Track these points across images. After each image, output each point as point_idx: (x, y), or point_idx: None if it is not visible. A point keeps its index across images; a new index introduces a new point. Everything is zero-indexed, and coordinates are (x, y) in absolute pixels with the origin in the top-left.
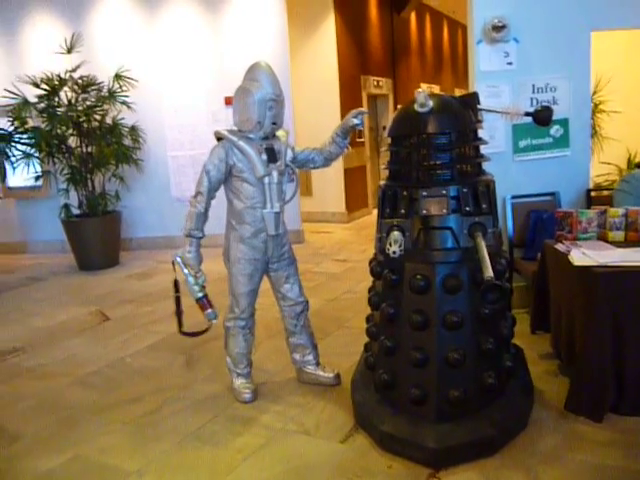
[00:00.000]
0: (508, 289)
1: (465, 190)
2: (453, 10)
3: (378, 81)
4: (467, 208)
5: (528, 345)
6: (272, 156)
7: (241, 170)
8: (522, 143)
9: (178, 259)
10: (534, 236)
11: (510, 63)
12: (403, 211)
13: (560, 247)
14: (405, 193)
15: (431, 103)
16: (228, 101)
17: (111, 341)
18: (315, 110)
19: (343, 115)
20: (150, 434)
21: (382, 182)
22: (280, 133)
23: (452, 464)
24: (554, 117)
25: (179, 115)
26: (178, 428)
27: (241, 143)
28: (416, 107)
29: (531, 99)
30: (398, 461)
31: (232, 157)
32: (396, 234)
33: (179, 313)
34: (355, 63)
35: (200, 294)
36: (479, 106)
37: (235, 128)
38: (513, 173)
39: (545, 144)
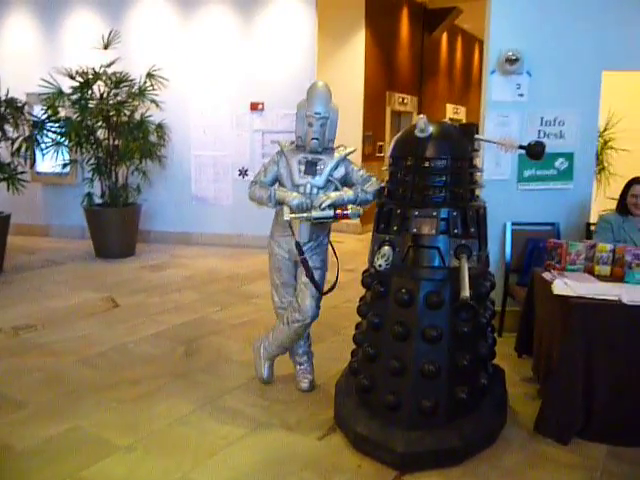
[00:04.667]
0: (486, 310)
1: (455, 213)
2: None
3: (403, 98)
4: (455, 230)
5: (513, 368)
6: (310, 169)
7: (282, 176)
8: (527, 173)
9: (287, 217)
10: (530, 263)
11: (521, 95)
12: (395, 228)
13: (546, 276)
14: (399, 211)
15: (431, 129)
16: (254, 107)
17: (118, 326)
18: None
19: (365, 128)
20: (143, 415)
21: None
22: (341, 149)
23: (417, 469)
24: (560, 150)
25: (205, 116)
26: (169, 412)
27: (287, 152)
28: (416, 132)
29: (539, 131)
30: (368, 461)
31: (279, 163)
32: (386, 249)
33: (312, 275)
34: (382, 79)
35: (331, 212)
36: (476, 136)
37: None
38: (516, 201)
39: (549, 175)
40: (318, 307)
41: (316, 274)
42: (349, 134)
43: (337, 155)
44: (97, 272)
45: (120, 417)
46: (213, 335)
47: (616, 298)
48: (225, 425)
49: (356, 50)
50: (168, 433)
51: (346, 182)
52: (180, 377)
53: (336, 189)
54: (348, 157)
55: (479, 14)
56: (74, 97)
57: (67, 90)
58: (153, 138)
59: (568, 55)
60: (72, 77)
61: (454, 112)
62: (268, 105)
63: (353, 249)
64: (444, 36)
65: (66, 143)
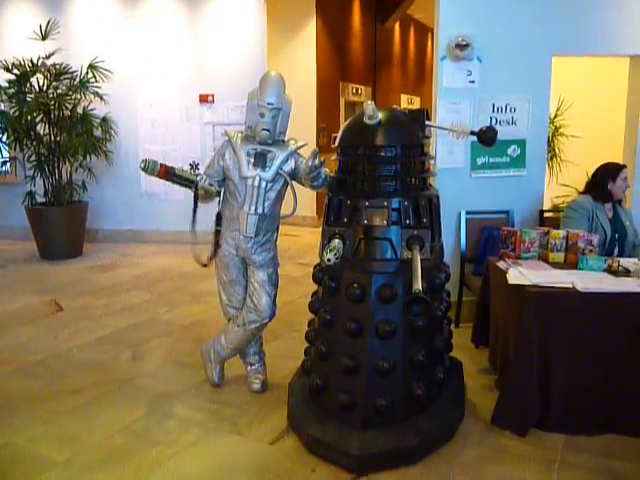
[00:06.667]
0: (442, 302)
1: (406, 203)
2: None
3: (357, 89)
4: (407, 221)
5: (470, 359)
6: (260, 161)
7: (228, 168)
8: (480, 160)
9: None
10: (485, 252)
11: (472, 81)
12: (346, 220)
13: (501, 265)
14: (349, 202)
15: (379, 116)
16: (203, 98)
17: (61, 332)
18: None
19: (319, 120)
20: (82, 427)
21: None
22: (292, 142)
23: (373, 471)
24: (512, 137)
25: (153, 109)
26: (111, 422)
27: (235, 142)
28: (365, 119)
29: (491, 118)
30: (322, 465)
31: (226, 154)
32: (336, 242)
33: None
34: (335, 69)
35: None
36: (427, 122)
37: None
38: (470, 189)
39: (502, 163)
40: (275, 305)
41: (267, 272)
42: (303, 126)
43: (289, 148)
44: (41, 274)
45: (57, 430)
46: (162, 337)
47: (570, 285)
48: (172, 433)
49: (307, 40)
50: (109, 445)
51: (295, 176)
52: (125, 383)
53: (285, 182)
54: (298, 151)
55: (430, 3)
56: (10, 91)
57: (3, 84)
58: (98, 133)
59: (518, 40)
60: (8, 70)
61: (408, 102)
62: (218, 97)
63: (309, 242)
64: (397, 26)
65: (4, 139)
